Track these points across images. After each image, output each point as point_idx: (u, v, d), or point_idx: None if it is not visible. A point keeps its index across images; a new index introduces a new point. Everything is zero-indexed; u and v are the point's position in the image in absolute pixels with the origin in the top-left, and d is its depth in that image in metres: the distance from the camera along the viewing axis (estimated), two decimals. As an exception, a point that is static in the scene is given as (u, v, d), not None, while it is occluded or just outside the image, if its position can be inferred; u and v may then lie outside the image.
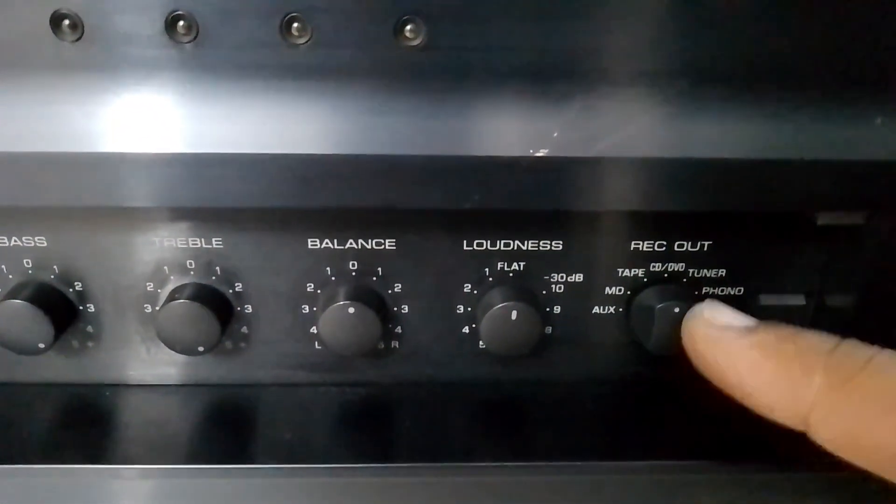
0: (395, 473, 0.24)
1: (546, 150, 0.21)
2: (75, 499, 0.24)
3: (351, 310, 0.24)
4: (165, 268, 0.25)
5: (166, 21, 0.19)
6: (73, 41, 0.19)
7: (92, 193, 0.21)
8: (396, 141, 0.20)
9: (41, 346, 0.24)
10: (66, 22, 0.19)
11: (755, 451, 0.24)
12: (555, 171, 0.21)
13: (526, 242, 0.25)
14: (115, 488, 0.24)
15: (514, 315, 0.24)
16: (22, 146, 0.20)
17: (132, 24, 0.19)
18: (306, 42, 0.19)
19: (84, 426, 0.25)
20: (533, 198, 0.22)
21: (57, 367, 0.26)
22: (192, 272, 0.25)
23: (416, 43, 0.20)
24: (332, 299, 0.24)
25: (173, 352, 0.25)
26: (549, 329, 0.26)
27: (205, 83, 0.20)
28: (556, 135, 0.21)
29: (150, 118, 0.20)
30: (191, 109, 0.20)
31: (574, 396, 0.27)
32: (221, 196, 0.21)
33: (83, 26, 0.19)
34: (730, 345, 0.21)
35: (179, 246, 0.24)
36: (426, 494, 0.24)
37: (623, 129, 0.21)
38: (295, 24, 0.19)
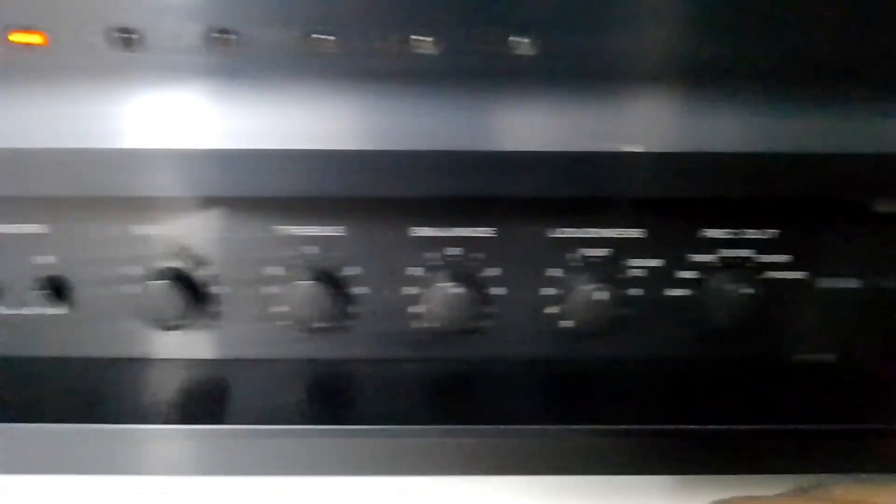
0: (480, 434, 0.27)
1: (641, 147, 0.24)
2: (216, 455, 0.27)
3: (455, 290, 0.27)
4: (287, 254, 0.28)
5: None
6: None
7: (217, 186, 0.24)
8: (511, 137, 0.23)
9: (177, 322, 0.28)
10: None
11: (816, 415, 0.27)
12: (645, 164, 0.24)
13: (610, 230, 0.28)
14: (239, 446, 0.27)
15: (598, 296, 0.27)
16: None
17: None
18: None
19: (213, 394, 0.28)
20: (623, 188, 0.25)
21: (186, 344, 0.29)
22: (306, 259, 0.28)
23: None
24: (434, 281, 0.27)
25: (289, 329, 0.28)
26: (627, 309, 0.29)
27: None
28: (649, 132, 0.24)
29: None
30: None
31: (647, 371, 0.29)
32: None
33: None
34: None
35: (297, 234, 0.28)
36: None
37: (712, 127, 0.24)
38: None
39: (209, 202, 0.27)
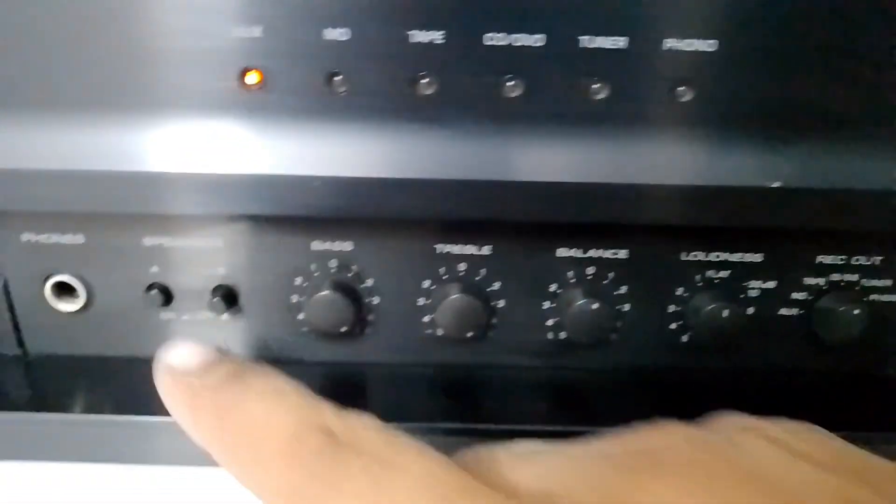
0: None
1: (779, 182, 0.27)
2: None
3: (590, 306, 0.30)
4: (439, 269, 0.31)
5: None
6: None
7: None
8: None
9: (343, 329, 0.30)
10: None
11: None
12: (775, 199, 0.27)
13: (733, 254, 0.31)
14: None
15: (726, 313, 0.30)
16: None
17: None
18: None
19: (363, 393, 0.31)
20: (753, 219, 0.28)
21: (339, 349, 0.32)
22: (455, 274, 0.31)
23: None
24: (572, 298, 0.30)
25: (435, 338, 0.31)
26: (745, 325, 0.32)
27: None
28: (788, 172, 0.27)
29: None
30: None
31: (761, 381, 0.32)
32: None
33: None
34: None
35: (443, 252, 0.30)
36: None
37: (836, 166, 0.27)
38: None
39: (375, 222, 0.29)
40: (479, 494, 0.17)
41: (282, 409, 0.19)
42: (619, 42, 0.25)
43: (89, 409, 0.30)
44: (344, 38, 0.24)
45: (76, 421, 0.30)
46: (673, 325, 0.32)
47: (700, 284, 0.31)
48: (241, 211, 0.26)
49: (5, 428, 0.30)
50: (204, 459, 0.20)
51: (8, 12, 0.24)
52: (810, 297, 0.31)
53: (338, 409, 0.19)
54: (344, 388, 0.32)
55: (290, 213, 0.27)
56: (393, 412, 0.28)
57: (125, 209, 0.27)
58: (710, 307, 0.30)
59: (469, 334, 0.30)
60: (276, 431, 0.18)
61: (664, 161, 0.27)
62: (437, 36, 0.24)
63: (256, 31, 0.24)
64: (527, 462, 0.19)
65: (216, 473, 0.23)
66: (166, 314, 0.31)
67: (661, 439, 0.20)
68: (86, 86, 0.25)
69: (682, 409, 0.31)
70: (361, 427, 0.19)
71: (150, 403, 0.27)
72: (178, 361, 0.21)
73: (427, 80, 0.25)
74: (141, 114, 0.26)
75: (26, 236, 0.30)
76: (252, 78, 0.25)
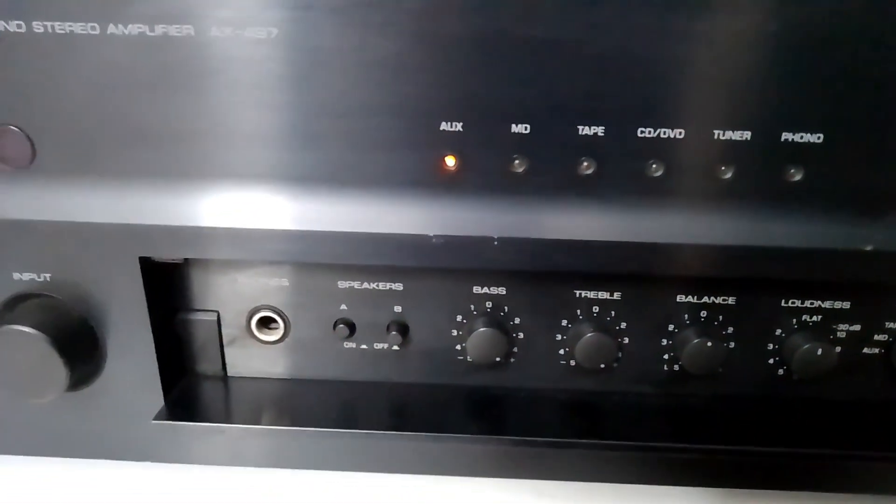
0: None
1: (871, 246, 0.33)
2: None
3: (707, 345, 0.36)
4: (576, 311, 0.37)
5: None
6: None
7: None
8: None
9: (497, 359, 0.37)
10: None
11: None
12: (873, 259, 0.33)
13: (825, 302, 0.37)
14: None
15: (819, 351, 0.36)
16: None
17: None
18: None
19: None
20: (844, 276, 0.34)
21: (489, 376, 0.38)
22: (588, 316, 0.37)
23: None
24: (688, 337, 0.36)
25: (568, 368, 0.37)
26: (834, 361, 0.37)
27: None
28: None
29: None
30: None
31: (846, 410, 0.38)
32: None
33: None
34: None
35: (581, 296, 0.37)
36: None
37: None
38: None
39: (523, 274, 0.36)
40: None
41: None
42: (746, 135, 0.31)
43: (273, 421, 0.37)
44: (526, 132, 0.31)
45: (261, 432, 0.36)
46: (770, 361, 0.38)
47: (796, 326, 0.37)
48: (433, 265, 0.33)
49: (202, 435, 0.37)
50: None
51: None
52: (890, 339, 0.37)
53: None
54: (491, 408, 0.38)
55: (472, 267, 0.33)
56: (535, 430, 0.35)
57: (326, 260, 0.33)
58: (805, 346, 0.36)
59: (600, 366, 0.37)
60: None
61: (776, 228, 0.33)
62: (599, 129, 0.31)
63: (458, 126, 0.31)
64: None
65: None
66: (349, 344, 0.38)
67: None
68: (320, 168, 0.32)
69: (772, 434, 0.37)
70: None
71: (332, 418, 0.34)
72: None
73: (586, 163, 0.32)
74: (355, 189, 0.32)
75: (242, 279, 0.36)
76: (451, 162, 0.31)
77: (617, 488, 0.38)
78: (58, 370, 0.33)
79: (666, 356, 0.38)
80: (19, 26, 0.29)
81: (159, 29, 0.29)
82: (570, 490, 0.37)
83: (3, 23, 0.29)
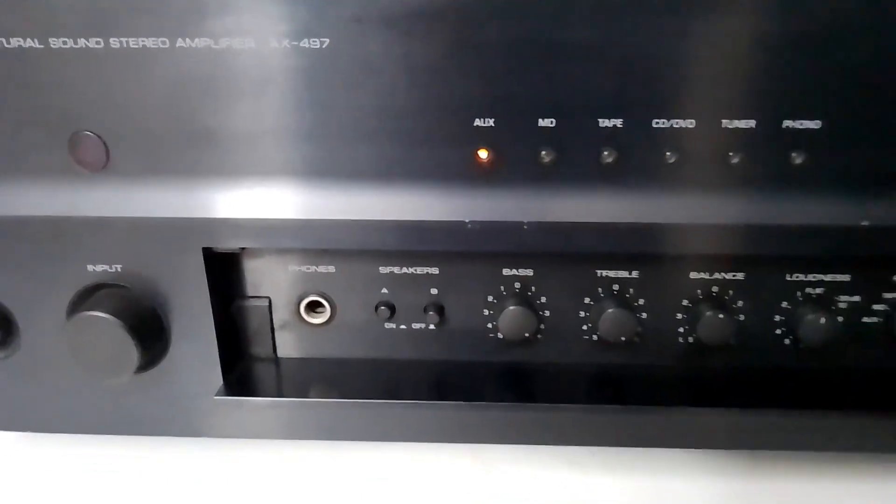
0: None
1: (867, 222, 0.36)
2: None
3: (720, 316, 0.39)
4: (597, 289, 0.40)
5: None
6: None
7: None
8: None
9: (526, 335, 0.40)
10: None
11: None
12: (869, 233, 0.36)
13: (827, 275, 0.40)
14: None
15: (822, 321, 0.39)
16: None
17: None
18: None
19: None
20: (845, 249, 0.37)
21: (517, 352, 0.42)
22: (609, 292, 0.40)
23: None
24: (701, 311, 0.40)
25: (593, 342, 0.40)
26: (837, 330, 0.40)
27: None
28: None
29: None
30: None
31: (849, 377, 0.41)
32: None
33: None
34: None
35: (602, 275, 0.40)
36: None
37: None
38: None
39: (548, 256, 0.39)
40: None
41: None
42: (751, 123, 0.34)
43: (322, 395, 0.40)
44: (552, 125, 0.34)
45: (312, 404, 0.40)
46: (778, 331, 0.41)
47: (801, 299, 0.40)
48: (468, 249, 0.36)
49: (259, 410, 0.40)
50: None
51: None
52: (889, 309, 0.40)
53: None
54: (522, 381, 0.41)
55: (503, 251, 0.36)
56: (563, 399, 0.38)
57: (373, 247, 0.37)
58: (809, 316, 0.40)
59: (621, 340, 0.40)
60: None
61: (781, 208, 0.36)
62: (618, 122, 0.34)
63: (490, 122, 0.34)
64: None
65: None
66: (389, 325, 0.41)
67: None
68: (366, 163, 0.35)
69: (777, 397, 0.40)
70: None
71: (369, 392, 0.38)
72: None
73: (607, 153, 0.35)
74: (398, 181, 0.36)
75: (292, 267, 0.40)
76: (484, 154, 0.35)
77: (639, 458, 0.41)
78: (130, 353, 0.37)
79: (681, 329, 0.41)
80: (98, 42, 0.33)
81: (223, 42, 0.32)
82: (598, 459, 0.41)
83: (83, 40, 0.33)
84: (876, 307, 0.40)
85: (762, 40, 0.32)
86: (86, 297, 0.37)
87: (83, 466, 0.42)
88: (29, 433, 0.43)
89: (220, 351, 0.39)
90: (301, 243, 0.36)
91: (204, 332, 0.38)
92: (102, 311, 0.36)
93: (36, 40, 0.33)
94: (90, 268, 0.37)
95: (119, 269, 0.37)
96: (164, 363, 0.39)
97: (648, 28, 0.32)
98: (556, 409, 0.38)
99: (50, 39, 0.33)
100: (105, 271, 0.37)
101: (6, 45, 0.33)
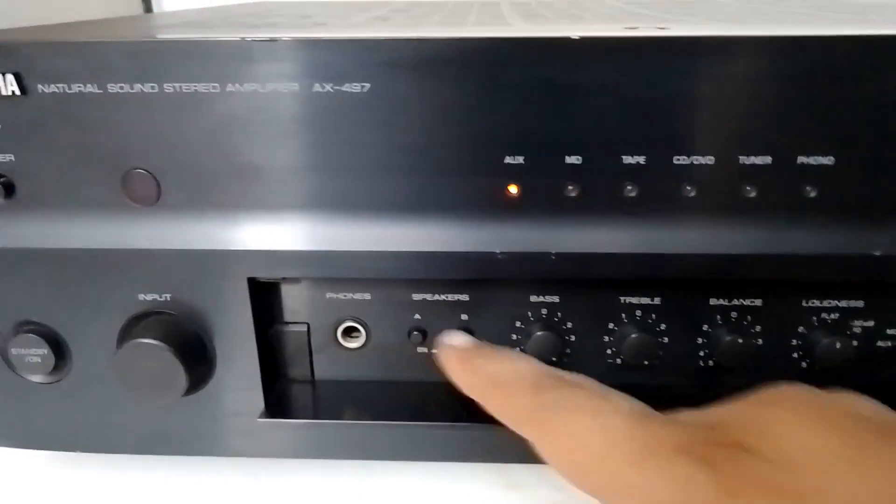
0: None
1: (879, 251, 0.38)
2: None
3: (739, 341, 0.41)
4: (621, 315, 0.42)
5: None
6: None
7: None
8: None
9: (552, 359, 0.42)
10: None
11: None
12: (881, 262, 0.38)
13: (841, 301, 0.42)
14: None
15: (837, 345, 0.41)
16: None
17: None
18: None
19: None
20: (859, 276, 0.38)
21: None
22: (633, 320, 0.42)
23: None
24: (721, 335, 0.41)
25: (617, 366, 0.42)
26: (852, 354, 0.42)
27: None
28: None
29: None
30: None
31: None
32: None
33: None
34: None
35: (625, 302, 0.42)
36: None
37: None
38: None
39: (574, 283, 0.41)
40: (659, 417, 0.32)
41: (519, 361, 0.37)
42: (767, 159, 0.36)
43: (357, 417, 0.42)
44: (577, 162, 0.36)
45: (349, 426, 0.42)
46: (795, 355, 0.43)
47: (816, 324, 0.42)
48: (498, 277, 0.38)
49: (300, 430, 0.42)
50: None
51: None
52: (901, 333, 0.42)
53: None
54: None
55: (532, 278, 0.38)
56: None
57: (409, 276, 0.39)
58: (824, 340, 0.41)
59: (644, 363, 0.42)
60: (520, 373, 0.35)
61: (796, 238, 0.38)
62: (640, 159, 0.36)
63: (520, 159, 0.36)
64: (687, 411, 0.32)
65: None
66: (421, 349, 0.43)
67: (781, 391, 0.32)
68: (402, 197, 0.37)
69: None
70: (582, 378, 0.35)
71: (402, 413, 0.39)
72: (456, 342, 0.39)
73: (630, 187, 0.37)
74: (432, 214, 0.38)
75: (329, 294, 0.42)
76: (514, 190, 0.37)
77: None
78: (179, 377, 0.39)
79: (702, 353, 0.43)
80: (153, 87, 0.35)
81: (269, 86, 0.35)
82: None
83: (139, 85, 0.35)
84: (889, 331, 0.42)
85: (777, 82, 0.34)
86: (135, 325, 0.39)
87: (127, 484, 0.44)
88: (60, 453, 0.45)
89: (262, 374, 0.41)
90: (339, 273, 0.39)
91: (247, 356, 0.40)
92: (153, 338, 0.38)
93: (95, 86, 0.35)
94: (140, 297, 0.39)
95: (168, 298, 0.39)
96: (209, 386, 0.41)
97: (670, 70, 0.34)
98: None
99: (108, 85, 0.35)
100: (155, 300, 0.39)
101: (68, 91, 0.35)
